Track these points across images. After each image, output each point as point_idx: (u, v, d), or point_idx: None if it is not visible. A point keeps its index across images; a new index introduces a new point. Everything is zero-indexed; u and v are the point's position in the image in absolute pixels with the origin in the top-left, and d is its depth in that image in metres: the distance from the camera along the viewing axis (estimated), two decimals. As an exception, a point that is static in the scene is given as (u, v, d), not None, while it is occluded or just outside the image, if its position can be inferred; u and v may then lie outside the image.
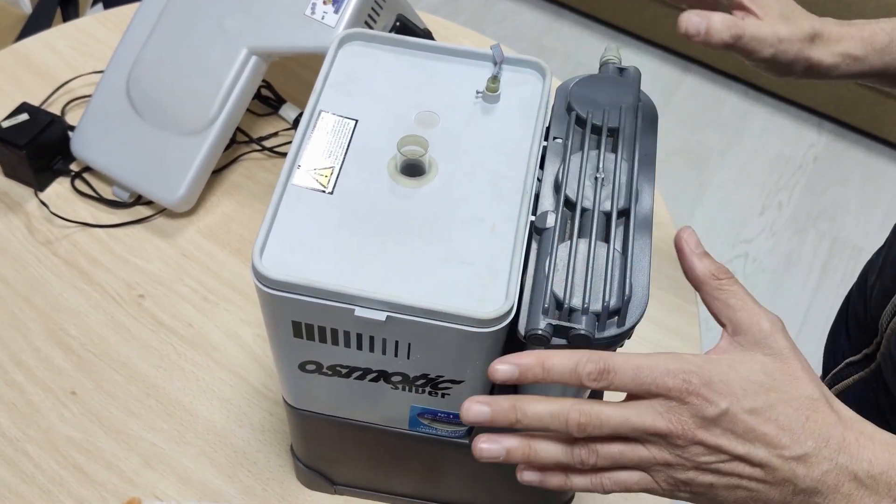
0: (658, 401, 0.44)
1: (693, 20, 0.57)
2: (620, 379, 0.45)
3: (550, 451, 0.46)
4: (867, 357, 0.75)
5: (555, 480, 0.47)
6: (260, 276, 0.53)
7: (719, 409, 0.43)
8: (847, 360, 0.78)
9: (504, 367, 0.46)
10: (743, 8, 0.62)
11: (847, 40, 0.63)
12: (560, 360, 0.45)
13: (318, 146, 0.61)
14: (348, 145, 0.61)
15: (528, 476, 0.48)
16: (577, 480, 0.47)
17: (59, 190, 1.01)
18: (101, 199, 1.00)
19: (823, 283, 2.03)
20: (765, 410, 0.43)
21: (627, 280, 0.54)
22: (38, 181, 1.00)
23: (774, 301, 1.99)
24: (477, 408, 0.46)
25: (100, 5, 1.74)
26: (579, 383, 0.45)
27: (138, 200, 1.00)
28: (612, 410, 0.45)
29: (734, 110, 2.39)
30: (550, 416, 0.45)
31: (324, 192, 0.58)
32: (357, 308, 0.53)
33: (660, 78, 2.43)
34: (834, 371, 0.80)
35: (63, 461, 0.80)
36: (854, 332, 0.81)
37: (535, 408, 0.46)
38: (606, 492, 0.47)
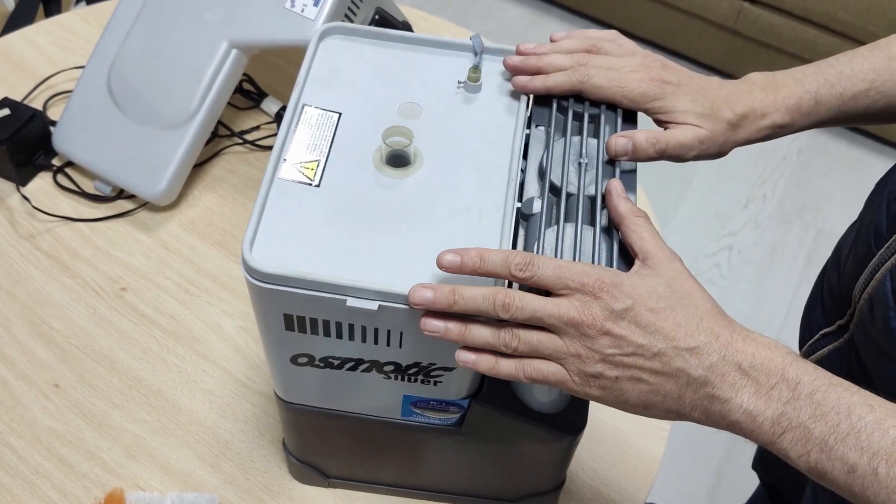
0: (574, 296, 0.51)
1: (620, 142, 0.61)
2: (543, 271, 0.51)
3: (481, 332, 0.53)
4: (841, 328, 0.77)
5: (485, 361, 0.54)
6: (251, 270, 0.54)
7: (625, 304, 0.50)
8: (822, 332, 0.80)
9: (449, 256, 0.52)
10: (664, 123, 0.65)
11: (773, 113, 0.66)
12: (494, 253, 0.52)
13: (303, 140, 0.61)
14: (333, 138, 0.62)
15: (463, 356, 0.54)
16: (504, 364, 0.54)
17: (41, 185, 1.01)
18: (83, 194, 1.00)
19: (808, 274, 2.04)
20: (664, 311, 0.51)
21: (614, 262, 0.55)
22: (20, 176, 1.00)
23: (759, 293, 2.00)
24: (422, 291, 0.52)
25: (83, 3, 1.74)
26: (508, 273, 0.52)
27: (120, 194, 1.00)
28: (533, 297, 0.52)
29: (719, 103, 2.39)
30: (482, 297, 0.52)
31: (310, 184, 0.59)
32: (349, 298, 0.53)
33: (645, 72, 2.44)
34: (810, 342, 0.82)
35: (46, 453, 0.81)
36: (828, 303, 0.83)
37: (470, 291, 0.52)
38: (528, 378, 0.53)
